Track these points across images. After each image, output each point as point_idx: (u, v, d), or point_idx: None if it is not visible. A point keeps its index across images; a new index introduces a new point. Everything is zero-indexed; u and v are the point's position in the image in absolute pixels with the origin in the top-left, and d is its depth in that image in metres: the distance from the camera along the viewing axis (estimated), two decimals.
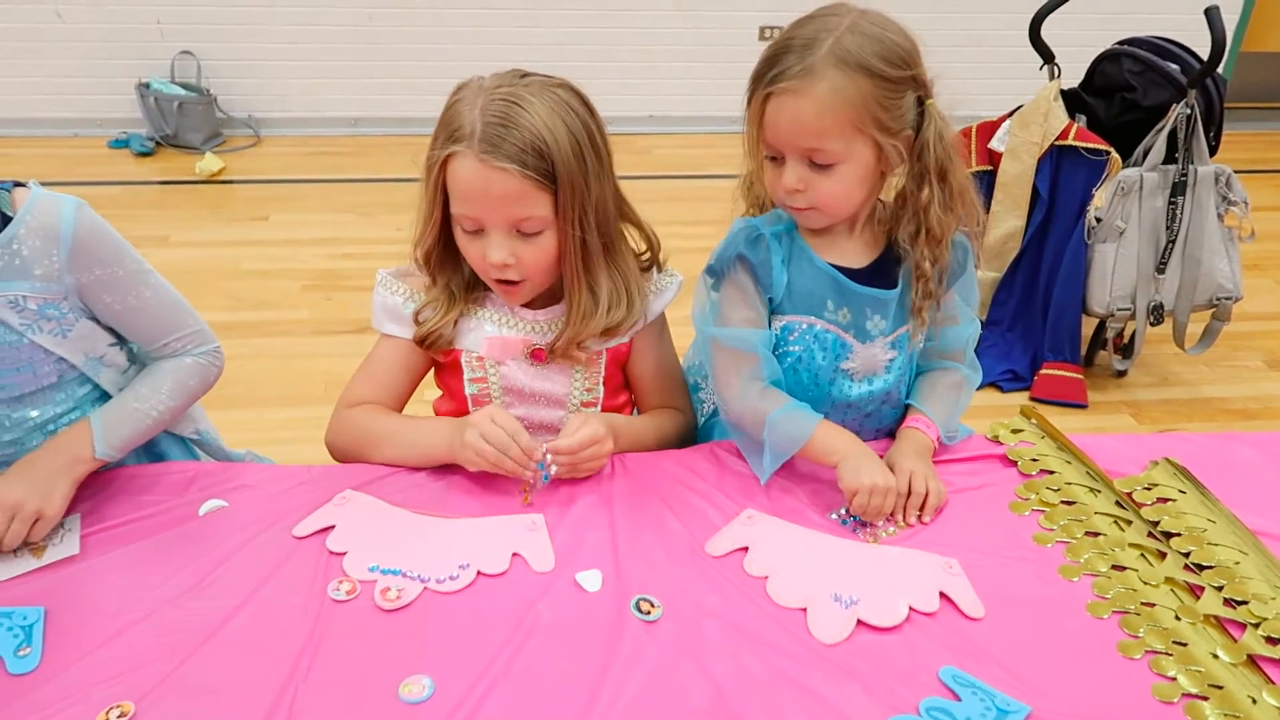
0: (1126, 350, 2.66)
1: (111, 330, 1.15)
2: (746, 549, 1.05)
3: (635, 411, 1.33)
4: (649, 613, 0.96)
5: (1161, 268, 2.48)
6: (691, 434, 1.33)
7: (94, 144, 4.03)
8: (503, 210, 1.08)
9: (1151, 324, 2.54)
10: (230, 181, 3.81)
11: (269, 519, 1.06)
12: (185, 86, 3.97)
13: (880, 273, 1.18)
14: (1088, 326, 2.67)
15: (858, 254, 1.18)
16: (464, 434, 1.09)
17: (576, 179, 1.09)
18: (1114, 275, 2.48)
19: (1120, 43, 2.55)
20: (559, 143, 1.07)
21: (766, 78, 1.07)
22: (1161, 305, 2.52)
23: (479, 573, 1.00)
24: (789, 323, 1.18)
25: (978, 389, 2.64)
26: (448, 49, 4.08)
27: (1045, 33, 2.51)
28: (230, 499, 1.10)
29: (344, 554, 1.02)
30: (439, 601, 0.97)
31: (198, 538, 1.04)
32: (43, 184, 1.05)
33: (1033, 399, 2.58)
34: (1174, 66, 2.43)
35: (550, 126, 1.06)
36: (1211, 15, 2.27)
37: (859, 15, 1.07)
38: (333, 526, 1.05)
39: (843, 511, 1.11)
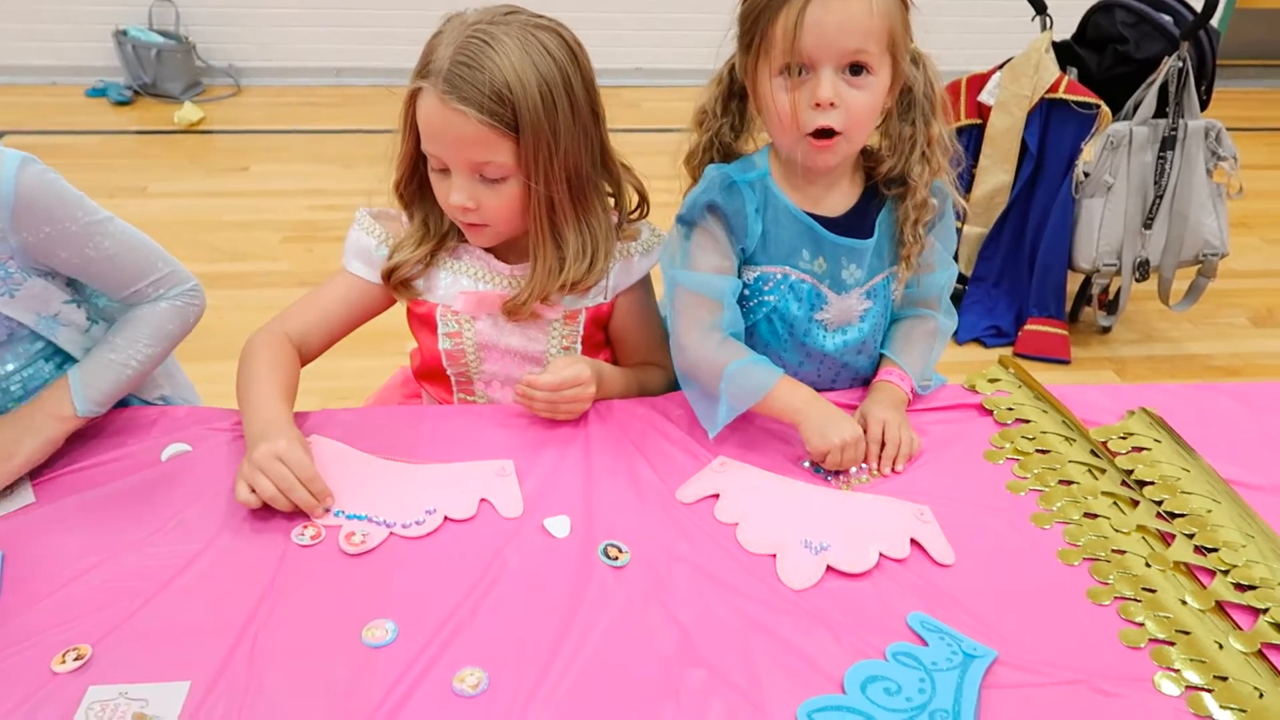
0: (1111, 306, 2.65)
1: (72, 286, 1.11)
2: (718, 496, 1.04)
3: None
4: (617, 558, 0.95)
5: (1149, 223, 2.46)
6: (672, 388, 1.31)
7: (71, 92, 3.95)
8: (462, 153, 1.06)
9: (1137, 280, 2.53)
10: (210, 131, 3.75)
11: (234, 463, 1.04)
12: (163, 34, 3.89)
13: (856, 222, 1.15)
14: (1073, 282, 2.66)
15: (833, 203, 1.15)
16: (251, 448, 0.99)
17: (542, 129, 1.05)
18: (1100, 231, 2.46)
19: None
20: (525, 89, 1.02)
21: None
22: (1148, 261, 2.50)
23: (446, 518, 0.99)
24: (764, 273, 1.16)
25: (961, 344, 2.64)
26: None
27: None
28: (195, 443, 1.08)
29: None
30: (404, 547, 0.96)
31: (160, 482, 1.03)
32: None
33: (1017, 354, 2.58)
34: (1167, 18, 2.39)
35: (519, 72, 1.02)
36: None
37: None
38: None
39: None
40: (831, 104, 1.02)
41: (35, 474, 1.03)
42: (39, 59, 3.97)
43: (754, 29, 1.04)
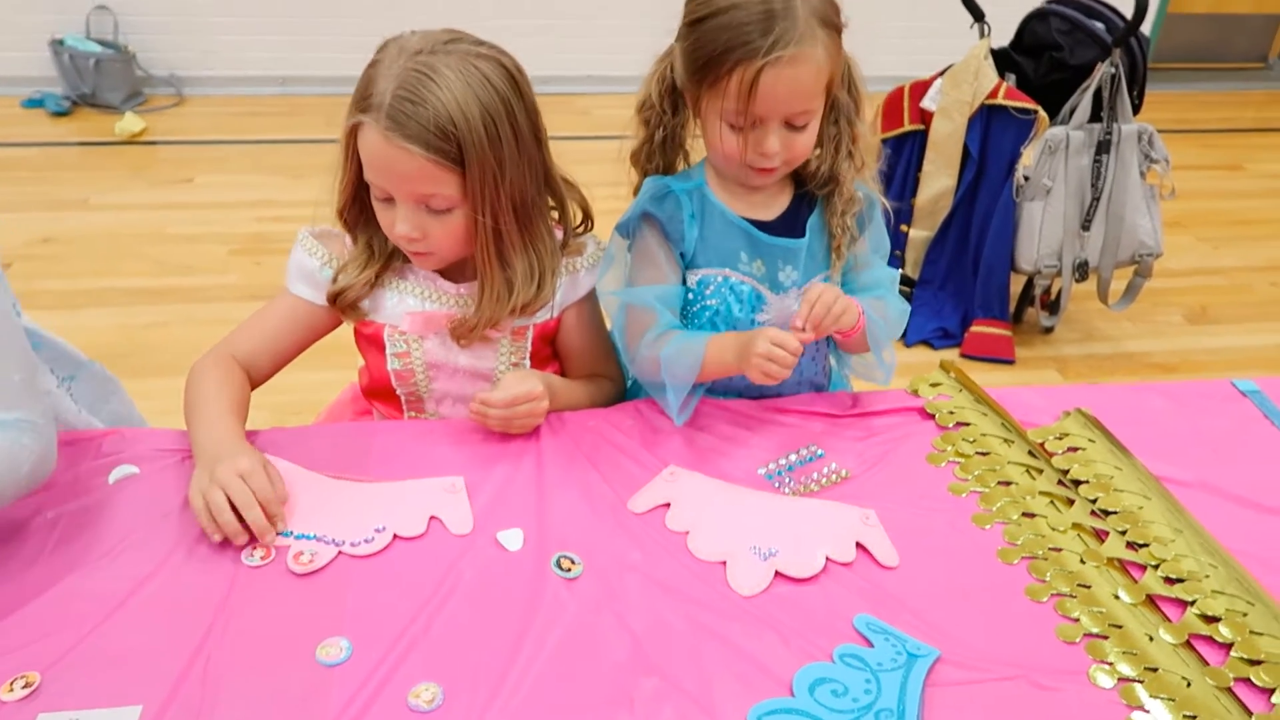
0: (1053, 307, 2.73)
1: None
2: (669, 505, 1.06)
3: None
4: (569, 570, 0.96)
5: (1087, 225, 2.53)
6: (621, 398, 1.33)
7: (6, 103, 3.87)
8: (408, 186, 1.06)
9: (1077, 280, 2.60)
10: (153, 142, 3.69)
11: (182, 484, 1.04)
12: (102, 43, 3.82)
13: (789, 223, 1.19)
14: (1016, 284, 2.73)
15: (767, 206, 1.19)
16: (210, 469, 0.98)
17: (488, 161, 1.05)
18: (1041, 233, 2.53)
19: (1049, 2, 2.58)
20: (470, 123, 1.02)
21: (760, 48, 1.02)
22: (1087, 262, 2.58)
23: (395, 535, 0.99)
24: (704, 276, 1.19)
25: (910, 346, 2.69)
26: (382, 4, 3.98)
27: None
28: (143, 465, 1.07)
29: None
30: (355, 565, 0.96)
31: (108, 505, 1.02)
32: None
33: (963, 355, 2.64)
34: (1100, 25, 2.46)
35: (463, 106, 1.02)
36: None
37: None
38: None
39: (770, 467, 1.13)
40: (778, 152, 1.09)
41: None
42: None
43: (707, 70, 1.07)
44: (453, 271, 1.20)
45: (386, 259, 1.18)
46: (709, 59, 1.06)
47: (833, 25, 1.07)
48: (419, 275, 1.20)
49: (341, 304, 1.18)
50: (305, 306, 1.20)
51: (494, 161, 1.06)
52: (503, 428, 1.13)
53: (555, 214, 1.22)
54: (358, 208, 1.16)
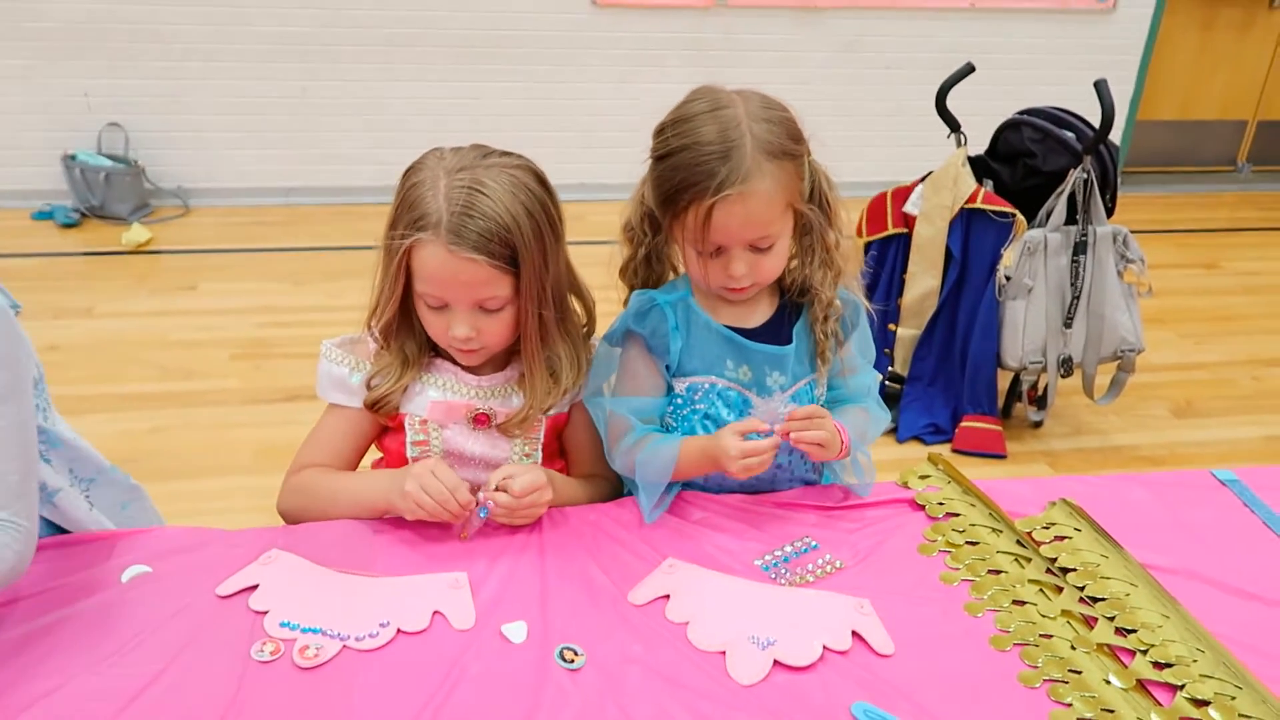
0: (1041, 402, 2.78)
1: None
2: (668, 596, 1.08)
3: None
4: (572, 661, 0.98)
5: (1069, 322, 2.61)
6: (617, 497, 1.36)
7: (16, 216, 3.97)
8: (469, 293, 1.13)
9: (1062, 376, 2.66)
10: (158, 252, 3.79)
11: (194, 581, 1.06)
12: (112, 158, 3.96)
13: (775, 330, 1.25)
14: (1004, 380, 2.78)
15: (751, 314, 1.25)
16: (404, 484, 1.12)
17: (536, 259, 1.14)
18: (1025, 330, 2.60)
19: (1021, 112, 2.71)
20: (521, 228, 1.11)
21: (708, 188, 1.09)
22: (1070, 358, 2.64)
23: (399, 630, 1.02)
24: (692, 383, 1.25)
25: (902, 442, 2.72)
26: (382, 119, 4.14)
27: (952, 104, 2.66)
28: (154, 564, 1.10)
29: (265, 613, 1.02)
30: (360, 659, 0.98)
31: (120, 603, 1.04)
32: None
33: (954, 450, 2.67)
34: (1070, 134, 2.58)
35: (513, 212, 1.11)
36: (1100, 87, 2.44)
37: (743, 101, 1.14)
38: (256, 585, 1.06)
39: (766, 558, 1.15)
40: (745, 274, 1.15)
41: None
42: None
43: (668, 203, 1.16)
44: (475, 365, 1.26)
45: (418, 362, 1.24)
46: (668, 194, 1.15)
47: (785, 154, 1.13)
48: (441, 368, 1.25)
49: (378, 409, 1.23)
50: (347, 413, 1.26)
51: (540, 259, 1.14)
52: (507, 519, 1.16)
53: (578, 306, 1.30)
54: (397, 318, 1.22)
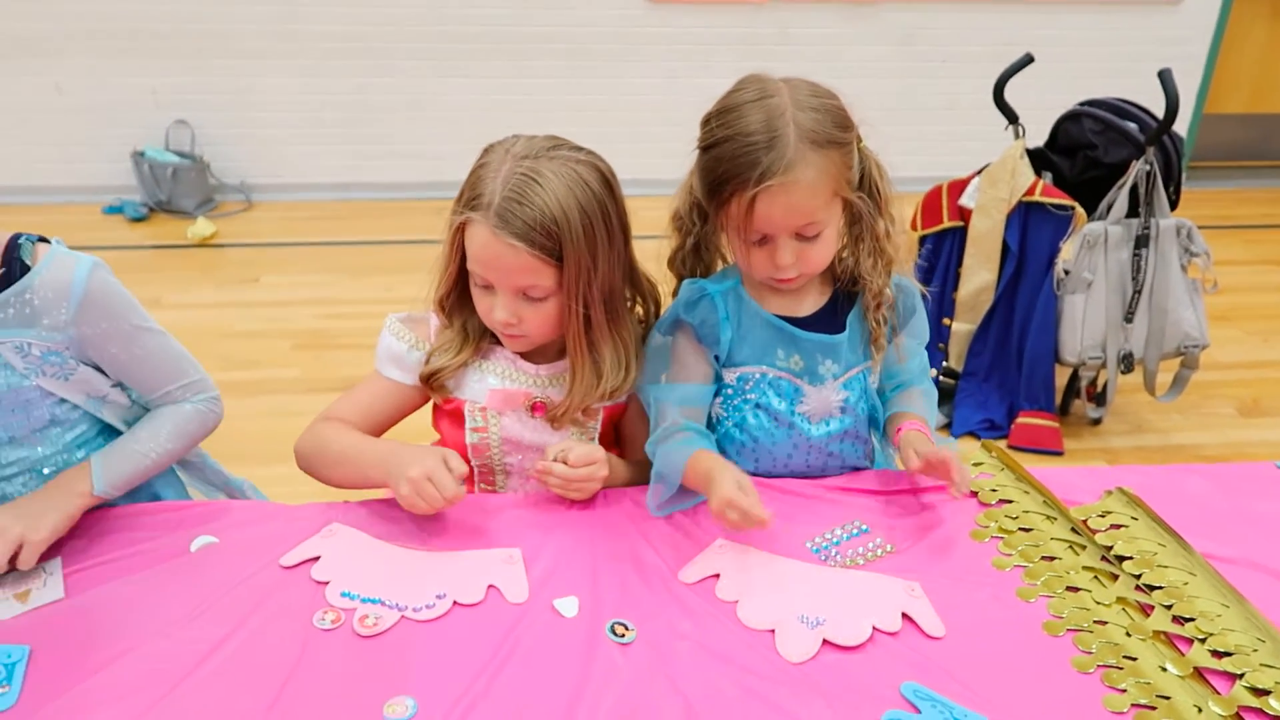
0: (1100, 398, 2.73)
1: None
2: (718, 575, 1.09)
3: None
4: (623, 635, 1.00)
5: (1129, 317, 2.56)
6: None
7: (88, 210, 4.11)
8: (510, 278, 1.15)
9: (1123, 372, 2.61)
10: (222, 245, 3.89)
11: (259, 552, 1.10)
12: (179, 154, 4.07)
13: (827, 318, 1.25)
14: (1061, 376, 2.74)
15: (802, 303, 1.25)
16: (408, 471, 1.11)
17: (583, 257, 1.14)
18: (1084, 325, 2.55)
19: (1081, 104, 2.66)
20: (570, 222, 1.12)
21: (750, 179, 1.09)
22: (1131, 354, 2.59)
23: (455, 603, 1.04)
24: (744, 373, 1.25)
25: (957, 438, 2.70)
26: (435, 116, 4.20)
27: (1010, 95, 2.62)
28: (221, 535, 1.14)
29: (327, 583, 1.06)
30: (417, 629, 1.01)
31: (188, 572, 1.08)
32: None
33: (1011, 446, 2.63)
34: (1133, 125, 2.53)
35: (564, 206, 1.12)
36: (1165, 77, 2.39)
37: (791, 89, 1.13)
38: (318, 557, 1.09)
39: (817, 540, 1.16)
40: (792, 264, 1.15)
41: (67, 566, 1.08)
42: (60, 179, 4.14)
43: (713, 193, 1.16)
44: (534, 353, 1.28)
45: (478, 342, 1.26)
46: (713, 184, 1.15)
47: (831, 142, 1.11)
48: (501, 356, 1.28)
49: (434, 383, 1.25)
50: (395, 387, 1.28)
51: (588, 257, 1.15)
52: (562, 491, 1.18)
53: (638, 306, 1.30)
54: (456, 295, 1.25)
